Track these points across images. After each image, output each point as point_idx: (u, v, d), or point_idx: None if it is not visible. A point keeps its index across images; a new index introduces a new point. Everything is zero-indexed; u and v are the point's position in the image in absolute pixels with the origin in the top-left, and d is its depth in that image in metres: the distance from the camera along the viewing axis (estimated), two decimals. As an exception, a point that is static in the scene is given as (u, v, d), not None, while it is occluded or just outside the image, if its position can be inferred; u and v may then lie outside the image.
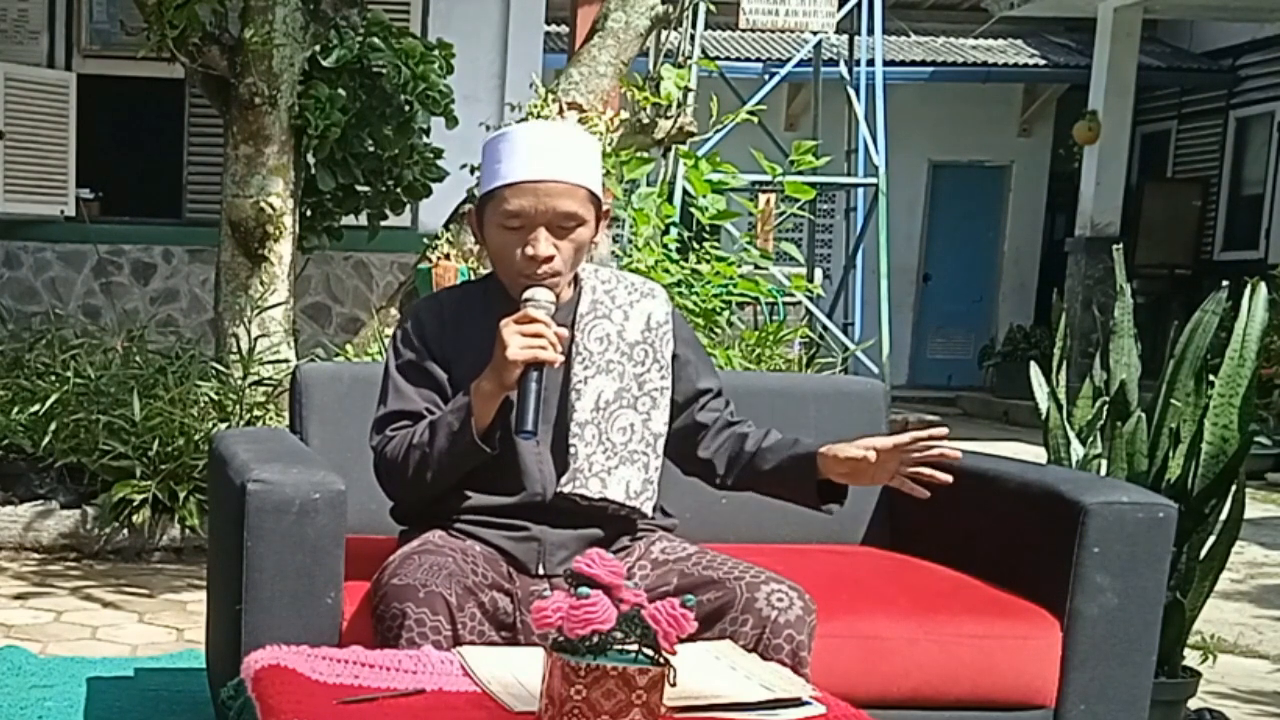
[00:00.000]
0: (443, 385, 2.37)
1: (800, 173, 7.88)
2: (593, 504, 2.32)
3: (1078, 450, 3.21)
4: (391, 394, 2.38)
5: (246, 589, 2.28)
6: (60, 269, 8.25)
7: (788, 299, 8.09)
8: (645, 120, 5.98)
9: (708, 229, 7.10)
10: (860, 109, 10.72)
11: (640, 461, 2.35)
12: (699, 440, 2.44)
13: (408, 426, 2.34)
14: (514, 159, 2.28)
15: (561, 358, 2.25)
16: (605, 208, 2.37)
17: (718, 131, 7.94)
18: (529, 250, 2.27)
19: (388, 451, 2.34)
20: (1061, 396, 3.27)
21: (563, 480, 2.32)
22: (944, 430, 2.22)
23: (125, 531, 4.77)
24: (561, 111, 5.52)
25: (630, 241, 6.42)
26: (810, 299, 9.06)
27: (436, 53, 6.09)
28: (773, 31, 11.63)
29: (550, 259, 2.27)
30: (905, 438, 2.20)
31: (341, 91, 5.49)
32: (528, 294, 2.25)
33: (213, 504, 2.95)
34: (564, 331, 2.26)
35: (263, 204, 5.32)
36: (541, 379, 2.21)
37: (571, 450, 2.33)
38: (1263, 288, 3.08)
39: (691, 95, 6.61)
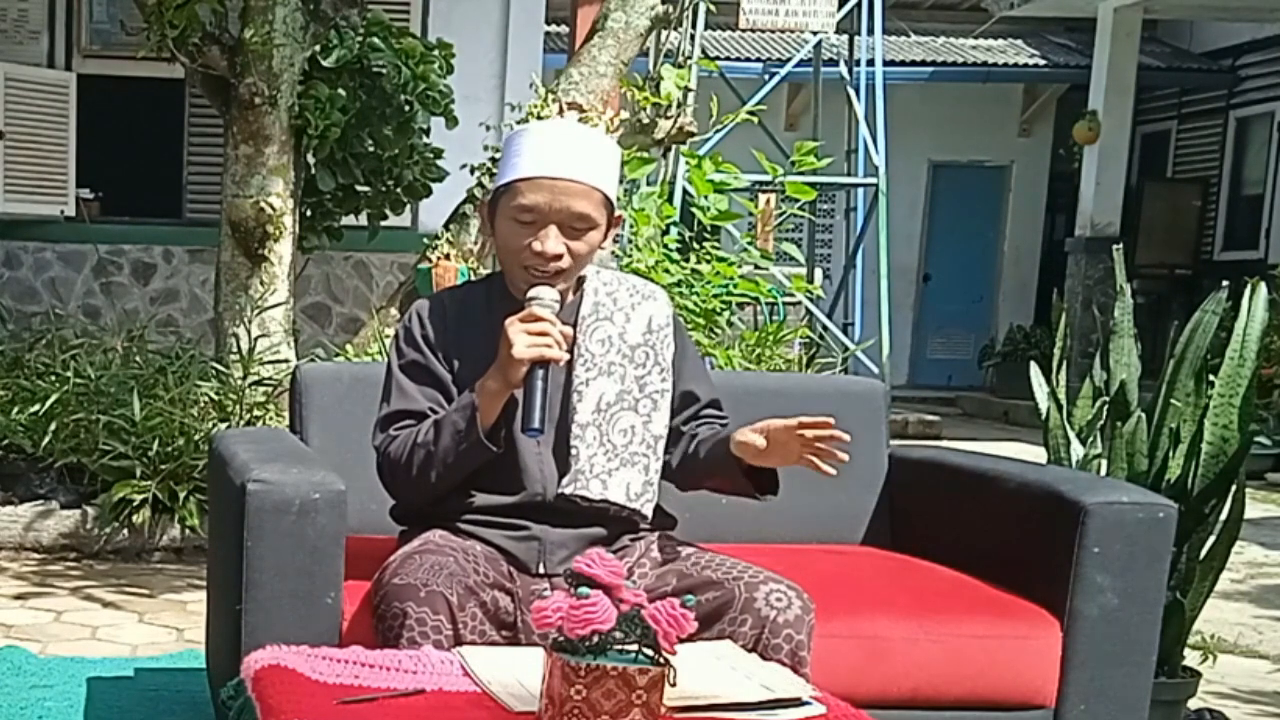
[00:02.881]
0: (445, 384, 2.37)
1: (801, 173, 7.88)
2: (593, 505, 2.32)
3: (1078, 450, 3.21)
4: (394, 393, 2.38)
5: (246, 589, 2.28)
6: (60, 269, 8.26)
7: (788, 299, 8.09)
8: (645, 120, 5.98)
9: (708, 229, 7.10)
10: (860, 109, 10.72)
11: (641, 464, 2.35)
12: (674, 447, 2.43)
13: (411, 425, 2.34)
14: (534, 154, 2.28)
15: (567, 356, 2.26)
16: (618, 214, 2.37)
17: (718, 131, 7.96)
18: (537, 246, 2.27)
19: (391, 451, 2.34)
20: (1061, 396, 3.27)
21: (564, 482, 2.33)
22: (831, 420, 2.18)
23: (125, 531, 4.77)
24: (561, 111, 5.51)
25: (630, 241, 6.42)
26: (810, 299, 9.06)
27: (436, 53, 6.09)
28: (773, 31, 11.63)
29: (558, 257, 2.27)
30: (794, 422, 2.17)
31: (341, 91, 5.49)
32: (533, 292, 2.26)
33: (213, 504, 2.95)
34: (569, 330, 2.27)
35: (263, 204, 5.32)
36: (548, 377, 2.22)
37: (573, 452, 2.33)
38: (1263, 288, 3.08)
39: (691, 95, 6.61)
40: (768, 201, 9.09)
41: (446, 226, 5.91)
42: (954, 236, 14.38)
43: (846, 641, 2.40)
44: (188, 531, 4.76)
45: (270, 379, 5.10)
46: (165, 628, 3.92)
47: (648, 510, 2.37)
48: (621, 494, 2.33)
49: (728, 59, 12.17)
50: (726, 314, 6.48)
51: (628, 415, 2.35)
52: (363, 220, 6.34)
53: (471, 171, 5.88)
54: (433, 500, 2.36)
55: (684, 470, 2.43)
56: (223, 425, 4.90)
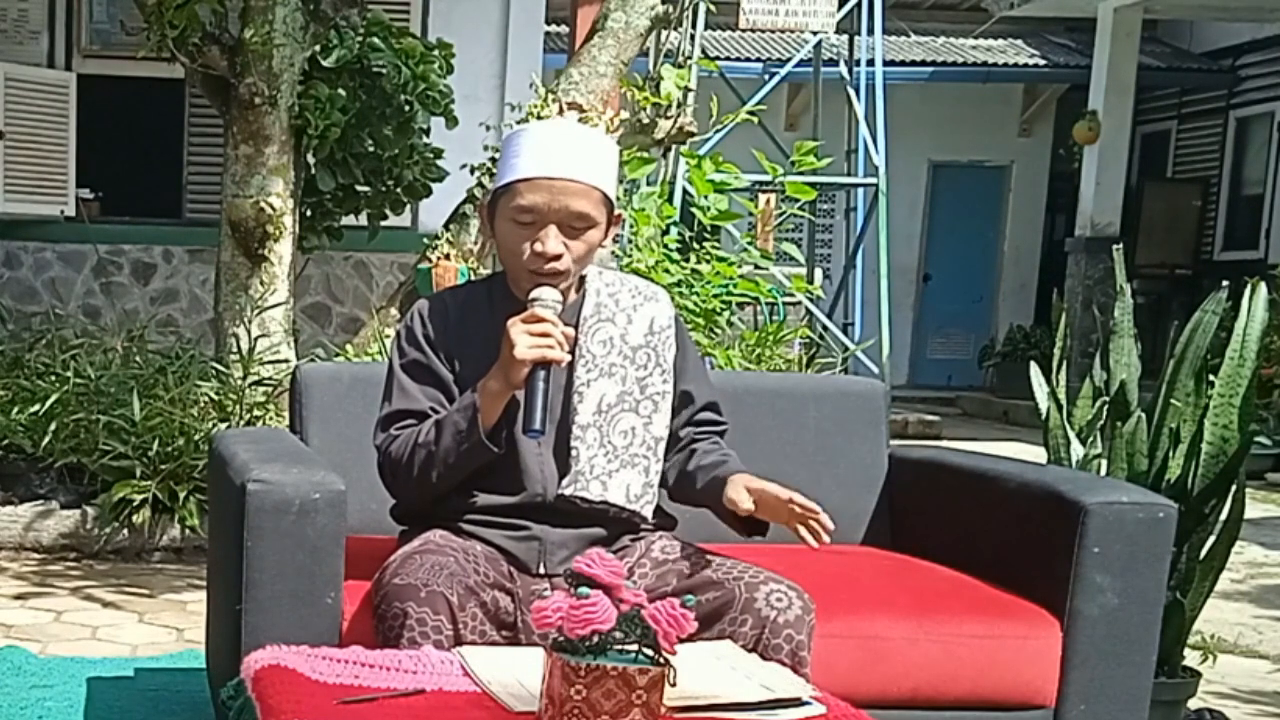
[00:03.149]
0: (447, 384, 2.37)
1: (801, 173, 7.88)
2: (593, 506, 2.33)
3: (1078, 450, 3.21)
4: (396, 392, 2.38)
5: (246, 589, 2.28)
6: (60, 269, 8.26)
7: (788, 299, 8.09)
8: (645, 120, 5.98)
9: (708, 229, 7.10)
10: (860, 109, 10.72)
11: (641, 465, 2.35)
12: (671, 453, 2.44)
13: (413, 425, 2.34)
14: (532, 154, 2.28)
15: (568, 357, 2.26)
16: (617, 213, 2.38)
17: (718, 131, 7.96)
18: (538, 247, 2.27)
19: (392, 450, 2.34)
20: (1061, 396, 3.27)
21: (564, 483, 2.33)
22: (817, 508, 2.20)
23: (125, 531, 4.77)
24: (561, 111, 5.51)
25: (630, 241, 6.42)
26: (810, 299, 9.06)
27: (436, 53, 6.09)
28: (773, 31, 11.63)
29: (559, 257, 2.27)
30: (785, 495, 2.20)
31: (341, 91, 5.50)
32: (535, 293, 2.25)
33: (213, 504, 2.95)
34: (570, 331, 2.27)
35: (263, 204, 5.32)
36: (549, 378, 2.22)
37: (573, 453, 2.33)
38: (1263, 288, 3.08)
39: (691, 95, 6.61)
40: (768, 201, 9.09)
41: (446, 226, 5.91)
42: (954, 236, 14.39)
43: (846, 641, 2.40)
44: (188, 531, 4.76)
45: (270, 379, 5.10)
46: (165, 628, 3.92)
47: (647, 512, 2.37)
48: (621, 495, 2.33)
49: (728, 59, 12.17)
50: (726, 314, 6.48)
51: (628, 417, 2.35)
52: (363, 220, 6.34)
53: (471, 171, 5.88)
54: (433, 500, 2.36)
55: (678, 488, 2.44)
56: (223, 425, 4.90)
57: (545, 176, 2.26)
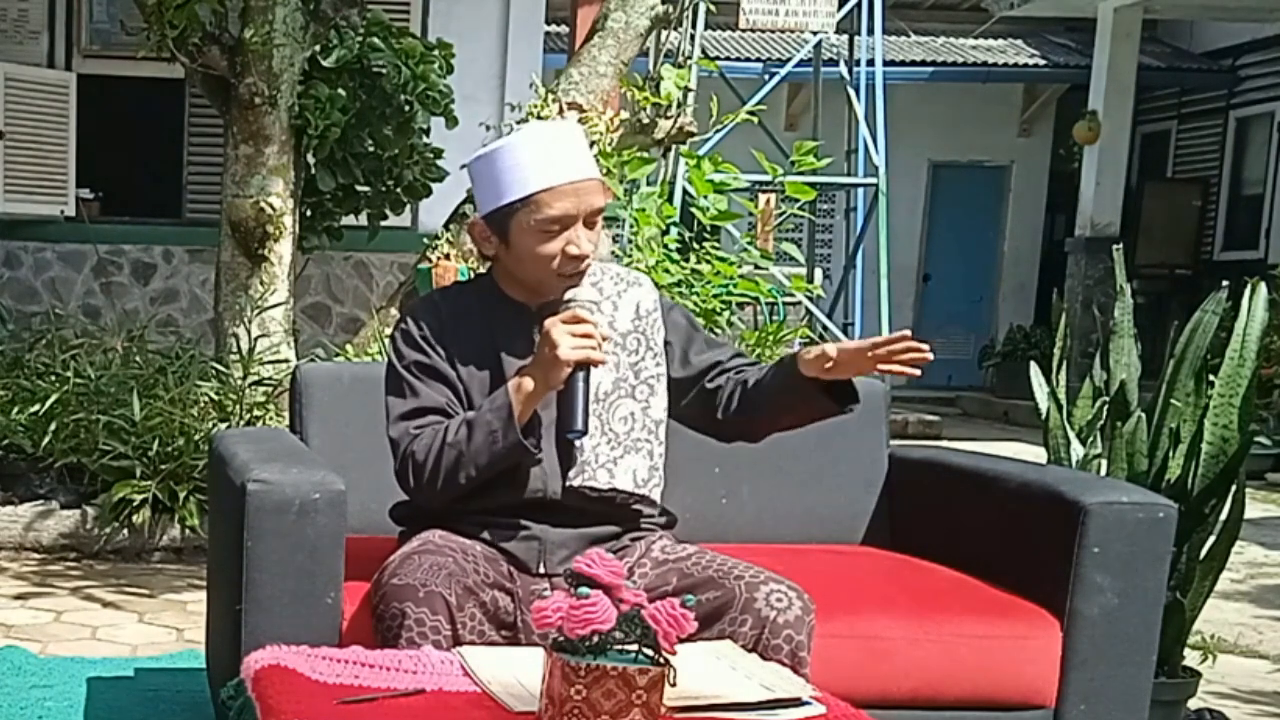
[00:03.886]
0: (453, 381, 2.37)
1: (801, 173, 7.88)
2: (602, 495, 2.33)
3: (1078, 450, 3.21)
4: (408, 391, 2.37)
5: (246, 589, 2.28)
6: (60, 269, 8.26)
7: (788, 299, 8.08)
8: (645, 120, 5.98)
9: (708, 229, 7.09)
10: (860, 109, 10.72)
11: (645, 449, 2.36)
12: (716, 406, 2.41)
13: (434, 421, 2.32)
14: (540, 164, 2.27)
15: (608, 358, 2.27)
16: (607, 186, 2.41)
17: (718, 131, 7.94)
18: (572, 250, 2.28)
19: (415, 450, 2.31)
20: (1061, 396, 3.27)
21: (571, 474, 2.33)
22: (908, 333, 2.20)
23: (125, 531, 4.77)
24: (561, 111, 5.52)
25: (630, 241, 6.42)
26: (810, 299, 9.05)
27: (436, 53, 6.09)
28: (773, 31, 11.63)
29: (589, 254, 2.30)
30: (865, 343, 2.20)
31: (341, 91, 5.49)
32: (571, 294, 2.27)
33: (213, 504, 2.96)
34: (609, 332, 2.28)
35: (263, 204, 5.32)
36: (589, 378, 2.23)
37: (576, 444, 2.33)
38: (1263, 288, 3.08)
39: (691, 95, 6.61)
40: (768, 201, 9.08)
41: (446, 226, 5.91)
42: (954, 236, 14.38)
43: (846, 641, 2.40)
44: (188, 531, 4.76)
45: (270, 379, 5.10)
46: (165, 628, 3.92)
47: (656, 495, 2.38)
48: (629, 481, 2.34)
49: (728, 59, 12.16)
50: (726, 314, 6.47)
51: (626, 403, 2.36)
52: (363, 220, 6.34)
53: (472, 172, 5.87)
54: (453, 500, 2.34)
55: (749, 409, 2.38)
56: (223, 425, 4.90)
57: (569, 182, 2.26)
